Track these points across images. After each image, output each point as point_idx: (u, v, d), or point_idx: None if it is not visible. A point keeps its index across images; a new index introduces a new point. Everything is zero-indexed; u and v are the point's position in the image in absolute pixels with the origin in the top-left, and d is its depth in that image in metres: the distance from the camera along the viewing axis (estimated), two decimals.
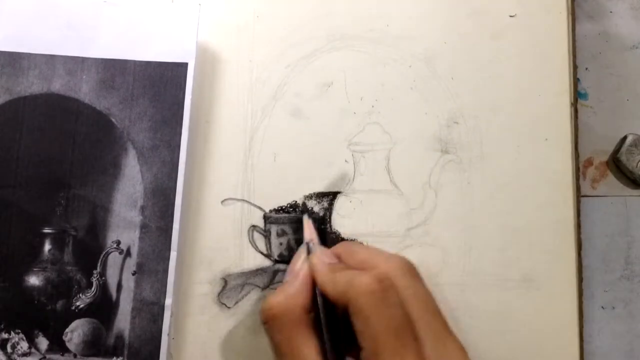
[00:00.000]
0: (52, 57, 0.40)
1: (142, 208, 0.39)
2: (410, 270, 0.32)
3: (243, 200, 0.40)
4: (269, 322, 0.32)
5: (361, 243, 0.39)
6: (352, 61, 0.42)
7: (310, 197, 0.41)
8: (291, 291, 0.32)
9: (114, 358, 0.38)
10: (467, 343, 0.31)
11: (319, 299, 0.32)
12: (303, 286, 0.32)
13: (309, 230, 0.37)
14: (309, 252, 0.35)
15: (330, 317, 0.32)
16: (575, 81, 0.42)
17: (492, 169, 0.41)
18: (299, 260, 0.35)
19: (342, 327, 0.31)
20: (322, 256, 0.34)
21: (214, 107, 0.41)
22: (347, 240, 0.40)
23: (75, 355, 0.38)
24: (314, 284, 0.33)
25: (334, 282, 0.31)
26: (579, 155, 0.42)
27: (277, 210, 0.41)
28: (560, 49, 0.43)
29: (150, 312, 0.38)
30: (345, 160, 0.41)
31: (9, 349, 0.38)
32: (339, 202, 0.41)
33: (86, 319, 0.38)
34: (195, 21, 0.40)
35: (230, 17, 0.42)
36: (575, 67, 0.43)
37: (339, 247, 0.36)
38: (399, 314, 0.29)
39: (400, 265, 0.32)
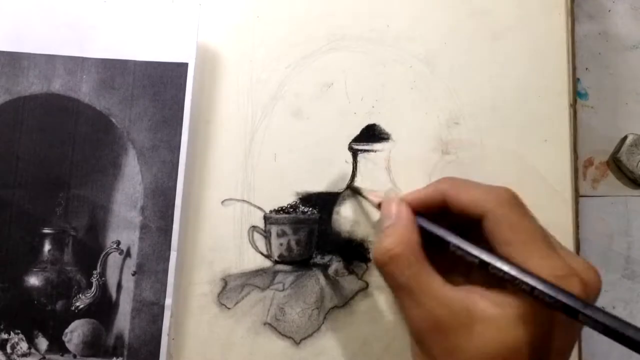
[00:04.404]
0: (52, 57, 0.40)
1: (142, 208, 0.39)
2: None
3: (243, 200, 0.40)
4: (392, 262, 0.30)
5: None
6: (353, 61, 0.42)
7: (310, 197, 0.41)
8: (402, 231, 0.31)
9: (114, 358, 0.38)
10: None
11: (434, 229, 0.32)
12: (410, 225, 0.32)
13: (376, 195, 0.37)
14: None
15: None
16: (575, 81, 0.42)
17: (492, 170, 0.41)
18: (394, 204, 0.33)
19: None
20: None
21: (214, 107, 0.41)
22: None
23: (74, 356, 0.38)
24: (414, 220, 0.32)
25: (468, 193, 0.31)
26: (578, 155, 0.42)
27: (277, 211, 0.40)
28: (560, 49, 0.43)
29: (150, 312, 0.38)
30: (346, 161, 0.41)
31: (8, 350, 0.38)
32: (339, 203, 0.41)
33: (86, 319, 0.38)
34: (195, 21, 0.40)
35: (230, 17, 0.42)
36: (575, 67, 0.43)
37: (442, 183, 0.34)
38: (539, 225, 0.30)
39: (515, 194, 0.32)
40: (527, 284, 0.27)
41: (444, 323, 0.28)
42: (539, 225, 0.30)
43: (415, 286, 0.30)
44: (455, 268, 0.32)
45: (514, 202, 0.30)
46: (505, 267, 0.28)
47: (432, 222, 0.32)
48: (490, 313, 0.28)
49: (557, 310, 0.27)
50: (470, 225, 0.31)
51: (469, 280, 0.32)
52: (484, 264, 0.29)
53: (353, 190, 0.40)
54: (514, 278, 0.28)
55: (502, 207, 0.30)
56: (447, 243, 0.31)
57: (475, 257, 0.30)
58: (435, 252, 0.32)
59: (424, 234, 0.32)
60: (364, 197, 0.39)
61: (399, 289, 0.31)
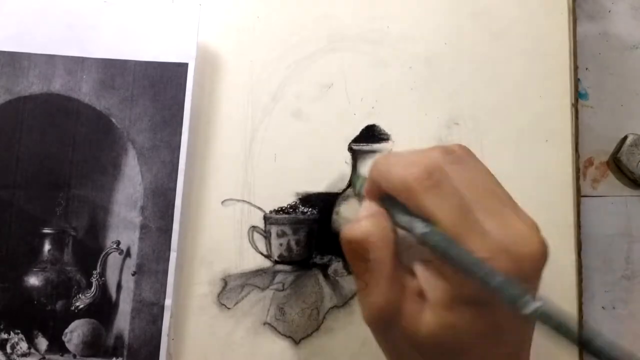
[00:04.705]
0: (52, 57, 0.40)
1: (142, 208, 0.39)
2: (458, 152, 0.30)
3: (243, 200, 0.40)
4: (367, 238, 0.29)
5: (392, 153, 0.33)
6: (353, 62, 0.42)
7: (310, 197, 0.41)
8: (374, 210, 0.31)
9: (114, 359, 0.38)
10: None
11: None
12: (377, 212, 0.31)
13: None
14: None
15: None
16: (576, 81, 0.42)
17: (492, 170, 0.41)
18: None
19: None
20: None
21: (214, 107, 0.41)
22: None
23: (74, 356, 0.38)
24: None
25: (389, 180, 0.29)
26: (579, 155, 0.42)
27: (277, 211, 0.40)
28: (560, 50, 0.43)
29: (150, 312, 0.38)
30: (345, 161, 0.41)
31: (8, 349, 0.38)
32: (339, 203, 0.41)
33: (86, 319, 0.38)
34: (195, 21, 0.40)
35: (230, 18, 0.42)
36: (575, 68, 0.43)
37: (372, 171, 0.32)
38: (456, 203, 0.28)
39: (446, 151, 0.30)
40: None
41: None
42: (461, 199, 0.28)
43: (391, 265, 0.29)
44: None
45: (426, 183, 0.28)
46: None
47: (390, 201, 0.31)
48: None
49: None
50: None
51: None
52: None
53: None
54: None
55: (412, 193, 0.28)
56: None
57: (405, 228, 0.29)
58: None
59: None
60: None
61: (375, 268, 0.30)
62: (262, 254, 0.40)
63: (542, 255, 0.27)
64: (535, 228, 0.28)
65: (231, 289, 0.40)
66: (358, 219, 0.31)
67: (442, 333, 0.28)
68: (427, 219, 0.28)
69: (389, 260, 0.29)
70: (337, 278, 0.40)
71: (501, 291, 0.25)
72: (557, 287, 0.40)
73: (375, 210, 0.31)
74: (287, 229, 0.40)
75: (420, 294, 0.29)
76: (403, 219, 0.30)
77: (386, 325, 0.30)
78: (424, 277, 0.29)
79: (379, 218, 0.30)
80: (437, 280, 0.28)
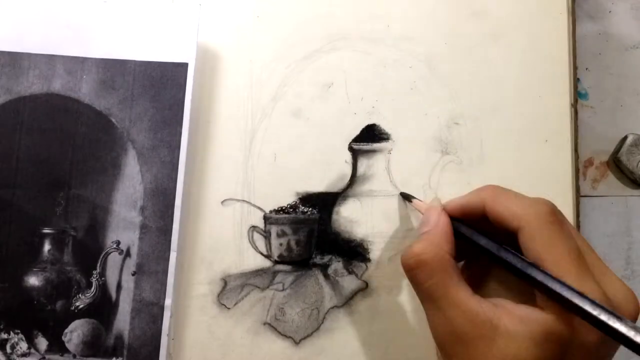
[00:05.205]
0: (52, 57, 0.40)
1: (142, 208, 0.39)
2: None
3: (243, 200, 0.40)
4: (418, 267, 0.31)
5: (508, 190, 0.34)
6: (353, 61, 0.42)
7: (310, 197, 0.41)
8: (435, 239, 0.31)
9: (114, 359, 0.38)
10: None
11: (467, 232, 0.32)
12: (445, 234, 0.32)
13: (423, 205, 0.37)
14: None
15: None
16: (576, 81, 0.42)
17: (492, 170, 0.41)
18: (435, 211, 0.34)
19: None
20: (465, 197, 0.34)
21: (214, 107, 0.41)
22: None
23: (74, 356, 0.38)
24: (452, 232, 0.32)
25: (506, 203, 0.31)
26: (579, 155, 0.42)
27: (277, 211, 0.40)
28: (560, 50, 0.43)
29: (150, 312, 0.38)
30: (345, 161, 0.41)
31: (8, 349, 0.38)
32: (339, 203, 0.41)
33: (86, 319, 0.38)
34: (195, 21, 0.40)
35: (230, 17, 0.42)
36: (575, 68, 0.43)
37: (483, 190, 0.33)
38: (575, 244, 0.29)
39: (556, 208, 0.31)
40: (554, 291, 0.27)
41: (465, 334, 0.28)
42: (577, 245, 0.29)
43: (440, 294, 0.30)
44: (491, 280, 0.32)
45: (551, 218, 0.29)
46: (540, 277, 0.28)
47: (468, 227, 0.32)
48: (514, 329, 0.27)
49: (594, 325, 0.26)
50: (511, 239, 0.30)
51: (502, 293, 0.31)
52: (512, 269, 0.29)
53: (404, 197, 0.40)
54: (544, 286, 0.27)
55: (537, 221, 0.29)
56: (481, 251, 0.31)
57: (500, 258, 0.30)
58: (474, 264, 0.32)
59: (462, 244, 0.32)
60: (412, 202, 0.39)
61: (423, 295, 0.31)
62: (262, 254, 0.40)
63: (636, 319, 0.28)
64: (632, 291, 0.29)
65: (231, 289, 0.40)
66: (418, 238, 0.32)
67: None
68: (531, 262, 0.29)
69: (446, 283, 0.30)
70: (337, 278, 0.40)
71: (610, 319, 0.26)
72: None
73: (442, 227, 0.32)
74: (287, 229, 0.40)
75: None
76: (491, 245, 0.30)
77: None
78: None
79: (441, 236, 0.32)
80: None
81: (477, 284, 0.32)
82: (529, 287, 0.29)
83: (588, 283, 0.27)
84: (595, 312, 0.26)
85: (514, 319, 0.28)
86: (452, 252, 0.31)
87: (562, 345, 0.27)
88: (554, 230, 0.29)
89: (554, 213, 0.30)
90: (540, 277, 0.28)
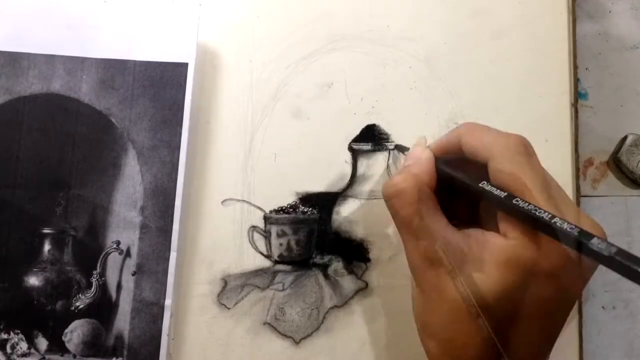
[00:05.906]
0: (52, 57, 0.40)
1: (142, 208, 0.39)
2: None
3: (243, 200, 0.40)
4: (396, 196, 0.32)
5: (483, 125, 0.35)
6: (352, 62, 0.42)
7: (310, 197, 0.41)
8: (415, 170, 0.32)
9: (114, 359, 0.38)
10: None
11: (446, 169, 0.33)
12: (426, 167, 0.33)
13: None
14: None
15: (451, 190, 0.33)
16: (576, 81, 0.42)
17: None
18: (419, 148, 0.35)
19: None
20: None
21: (214, 107, 0.41)
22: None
23: (74, 356, 0.38)
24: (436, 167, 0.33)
25: (479, 137, 0.32)
26: (579, 155, 0.42)
27: (277, 211, 0.40)
28: (560, 49, 0.43)
29: (150, 312, 0.38)
30: (345, 161, 0.41)
31: (8, 350, 0.38)
32: (339, 203, 0.41)
33: (86, 319, 0.38)
34: (195, 21, 0.40)
35: (230, 17, 0.42)
36: (575, 68, 0.43)
37: (461, 127, 0.34)
38: (542, 175, 0.30)
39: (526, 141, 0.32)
40: (523, 211, 0.27)
41: (437, 260, 0.29)
42: (543, 178, 0.30)
43: (415, 223, 0.31)
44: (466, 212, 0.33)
45: (520, 149, 0.30)
46: (508, 203, 0.28)
47: (448, 165, 0.33)
48: (480, 256, 0.29)
49: (565, 243, 0.27)
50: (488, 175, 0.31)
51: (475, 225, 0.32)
52: (486, 198, 0.30)
53: (399, 149, 0.41)
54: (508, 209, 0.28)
55: (507, 151, 0.30)
56: (459, 185, 0.32)
57: (472, 187, 0.30)
58: (458, 203, 0.33)
59: (447, 183, 0.33)
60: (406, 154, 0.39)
61: (400, 223, 0.32)
62: (262, 253, 0.40)
63: None
64: (598, 224, 0.30)
65: (231, 288, 0.40)
66: (399, 171, 0.34)
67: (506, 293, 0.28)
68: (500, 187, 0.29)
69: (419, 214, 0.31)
70: (337, 278, 0.40)
71: (583, 237, 0.26)
72: None
73: (424, 160, 0.33)
74: (287, 229, 0.40)
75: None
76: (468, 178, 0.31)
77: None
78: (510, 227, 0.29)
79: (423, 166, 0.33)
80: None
81: (454, 217, 0.32)
82: (496, 217, 0.30)
83: (554, 211, 0.28)
84: (567, 226, 0.26)
85: (480, 247, 0.29)
86: (431, 185, 0.32)
87: (526, 270, 0.28)
88: (521, 161, 0.30)
89: (524, 145, 0.31)
90: (508, 203, 0.28)
